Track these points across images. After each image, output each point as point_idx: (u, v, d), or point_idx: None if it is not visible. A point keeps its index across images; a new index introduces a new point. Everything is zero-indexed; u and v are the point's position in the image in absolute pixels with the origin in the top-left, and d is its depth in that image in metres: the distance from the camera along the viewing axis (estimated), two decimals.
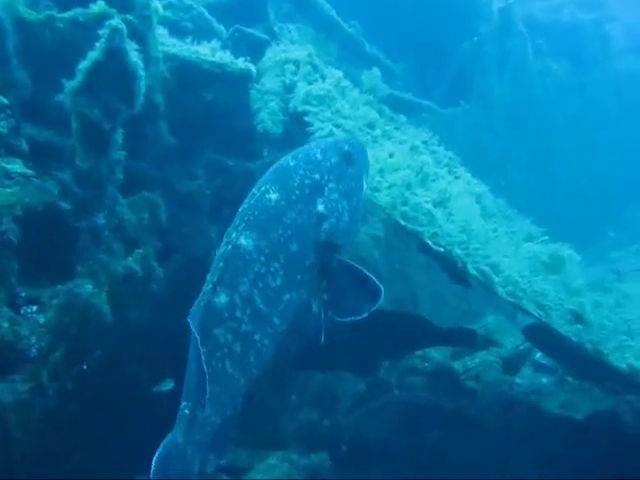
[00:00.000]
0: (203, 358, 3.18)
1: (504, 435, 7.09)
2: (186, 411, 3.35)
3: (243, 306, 3.48)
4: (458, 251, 5.12)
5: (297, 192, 3.67)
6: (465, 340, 6.98)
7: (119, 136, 4.60)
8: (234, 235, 3.53)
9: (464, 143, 12.50)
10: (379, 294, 3.64)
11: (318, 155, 3.85)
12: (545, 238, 7.30)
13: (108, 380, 4.93)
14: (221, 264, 3.48)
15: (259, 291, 3.51)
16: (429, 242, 5.03)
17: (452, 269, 5.25)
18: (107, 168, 4.69)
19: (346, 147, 3.96)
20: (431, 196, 5.58)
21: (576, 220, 15.64)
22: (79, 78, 4.23)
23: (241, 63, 6.00)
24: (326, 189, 3.78)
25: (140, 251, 5.15)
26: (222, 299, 3.42)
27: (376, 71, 7.61)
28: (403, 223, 5.10)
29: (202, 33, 7.28)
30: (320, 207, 3.72)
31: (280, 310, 3.60)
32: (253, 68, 6.18)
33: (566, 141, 15.79)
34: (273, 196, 3.61)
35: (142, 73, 4.31)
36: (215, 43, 6.17)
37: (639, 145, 18.90)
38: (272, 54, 7.49)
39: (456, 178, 6.90)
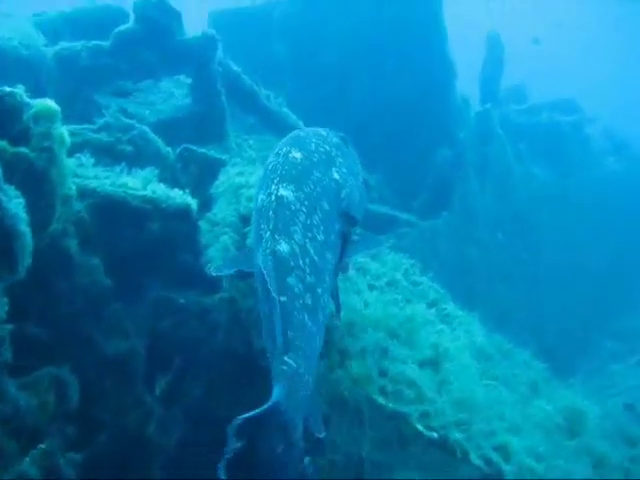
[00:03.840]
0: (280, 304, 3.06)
1: None
2: (283, 367, 2.96)
3: (302, 255, 3.38)
4: (457, 435, 3.93)
5: (316, 155, 3.84)
6: None
7: (1, 307, 3.44)
8: (273, 187, 3.53)
9: (448, 258, 11.60)
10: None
11: (322, 132, 4.16)
12: (550, 379, 6.38)
13: None
14: (270, 213, 3.43)
15: (310, 241, 3.46)
16: (419, 427, 3.84)
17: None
18: None
19: (340, 134, 4.36)
20: (418, 355, 4.44)
21: (569, 330, 14.87)
22: None
23: (178, 197, 4.91)
24: (337, 161, 3.99)
25: (42, 446, 3.91)
26: (284, 247, 3.33)
27: None
28: (381, 402, 3.91)
29: (144, 156, 6.30)
30: (336, 175, 3.89)
31: (327, 268, 3.56)
32: (193, 203, 5.09)
33: (553, 250, 15.00)
34: (297, 155, 3.73)
35: (24, 229, 3.20)
36: (150, 172, 5.11)
37: (625, 252, 18.43)
38: (226, 177, 6.49)
39: (446, 316, 5.83)
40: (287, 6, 13.02)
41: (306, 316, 3.22)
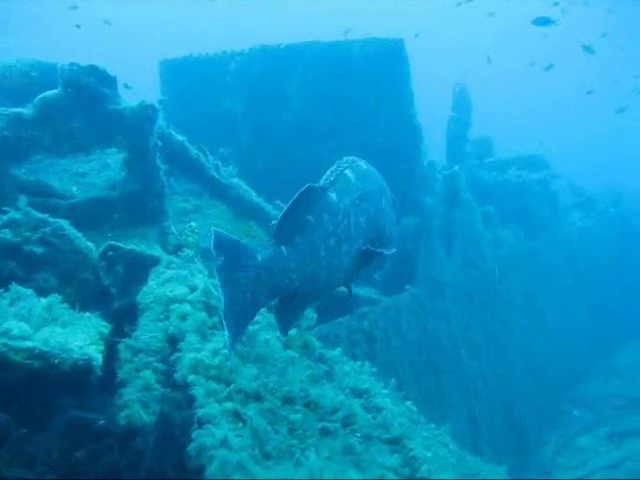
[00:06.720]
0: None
1: None
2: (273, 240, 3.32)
3: (344, 214, 3.61)
4: None
5: (374, 177, 4.04)
6: None
7: None
8: (341, 168, 3.81)
9: (412, 335, 10.70)
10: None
11: None
12: None
13: None
14: (332, 178, 3.71)
15: (354, 213, 3.68)
16: None
17: None
18: None
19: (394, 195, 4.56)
20: None
21: (538, 400, 14.29)
22: None
23: (77, 350, 3.82)
24: (387, 195, 4.16)
25: None
26: (334, 196, 3.59)
27: None
28: None
29: (59, 257, 5.27)
30: (383, 202, 4.04)
31: (356, 245, 3.70)
32: (98, 357, 4.01)
33: (522, 318, 14.35)
34: (363, 164, 3.96)
35: None
36: (50, 303, 4.03)
37: (596, 312, 18.03)
38: (156, 283, 5.48)
39: (413, 460, 4.87)
40: (245, 58, 12.14)
41: (322, 247, 3.44)
